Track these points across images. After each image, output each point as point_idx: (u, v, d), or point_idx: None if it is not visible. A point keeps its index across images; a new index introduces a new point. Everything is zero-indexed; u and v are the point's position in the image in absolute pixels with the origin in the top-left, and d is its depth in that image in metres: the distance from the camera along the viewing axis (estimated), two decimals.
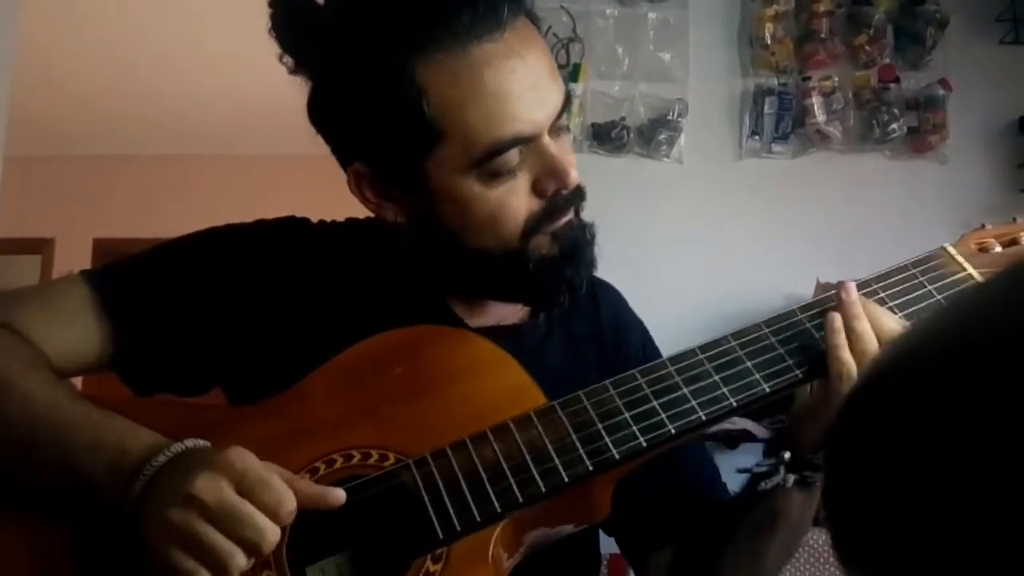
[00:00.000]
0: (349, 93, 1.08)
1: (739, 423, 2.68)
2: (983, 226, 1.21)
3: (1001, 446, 0.36)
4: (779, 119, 3.20)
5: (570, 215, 1.13)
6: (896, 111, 3.17)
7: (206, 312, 1.15)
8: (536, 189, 1.09)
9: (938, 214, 3.16)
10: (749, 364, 1.05)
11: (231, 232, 1.21)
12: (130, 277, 1.17)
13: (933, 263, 1.14)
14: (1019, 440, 0.35)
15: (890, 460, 0.41)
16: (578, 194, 1.13)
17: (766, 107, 3.21)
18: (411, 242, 1.17)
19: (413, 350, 1.09)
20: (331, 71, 1.09)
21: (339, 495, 0.94)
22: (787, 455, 1.09)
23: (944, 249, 1.16)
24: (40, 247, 7.03)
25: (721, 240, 3.17)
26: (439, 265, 1.17)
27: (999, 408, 0.36)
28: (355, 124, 1.11)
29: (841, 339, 1.04)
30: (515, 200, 1.08)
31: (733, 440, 2.72)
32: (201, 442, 0.96)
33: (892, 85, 3.18)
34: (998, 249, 1.16)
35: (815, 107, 3.16)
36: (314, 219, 1.26)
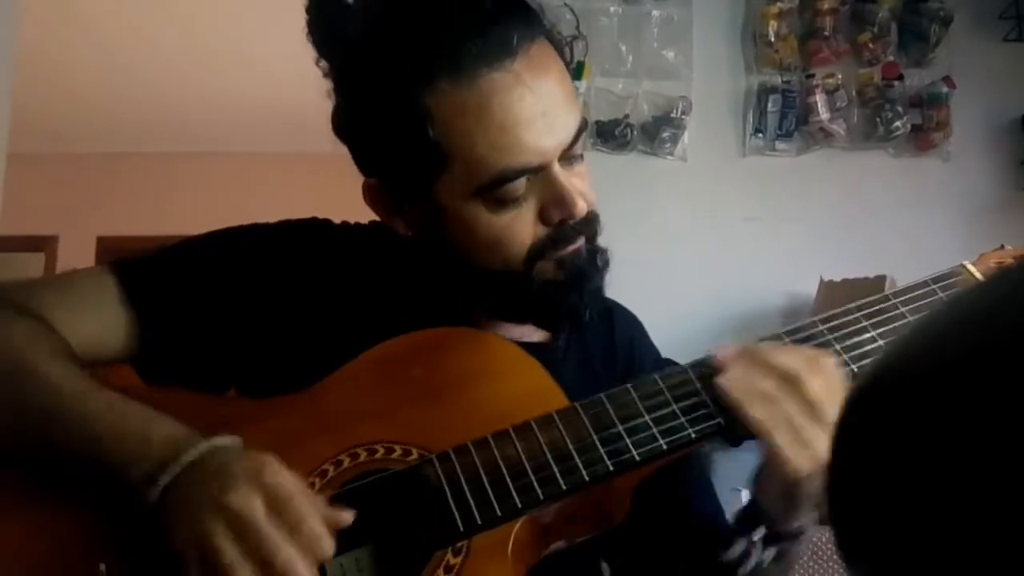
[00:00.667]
0: (364, 110, 1.09)
1: None
2: (1002, 246, 1.21)
3: (1004, 446, 0.36)
4: (783, 117, 3.20)
5: (579, 243, 1.11)
6: (900, 108, 3.17)
7: (228, 309, 1.15)
8: (543, 217, 1.08)
9: (942, 211, 3.17)
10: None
11: (255, 231, 1.22)
12: (155, 270, 1.17)
13: (953, 280, 1.15)
14: (1012, 446, 0.35)
15: (895, 459, 0.41)
16: (590, 222, 1.11)
17: (770, 105, 3.20)
18: (419, 257, 1.18)
19: (436, 350, 1.10)
20: (350, 86, 1.10)
21: (346, 518, 0.94)
22: (757, 535, 1.07)
23: (964, 266, 1.16)
24: (43, 244, 7.04)
25: (725, 238, 3.17)
26: (446, 281, 1.17)
27: (1004, 409, 0.36)
28: (369, 141, 1.11)
29: (739, 398, 1.01)
30: (520, 227, 1.08)
31: (736, 438, 2.71)
32: (231, 439, 0.96)
33: (896, 82, 3.18)
34: None
35: (819, 104, 3.16)
36: (328, 218, 1.26)
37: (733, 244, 3.17)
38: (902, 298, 1.12)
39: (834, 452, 0.46)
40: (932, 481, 0.39)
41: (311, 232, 1.23)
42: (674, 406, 1.03)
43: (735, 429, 1.02)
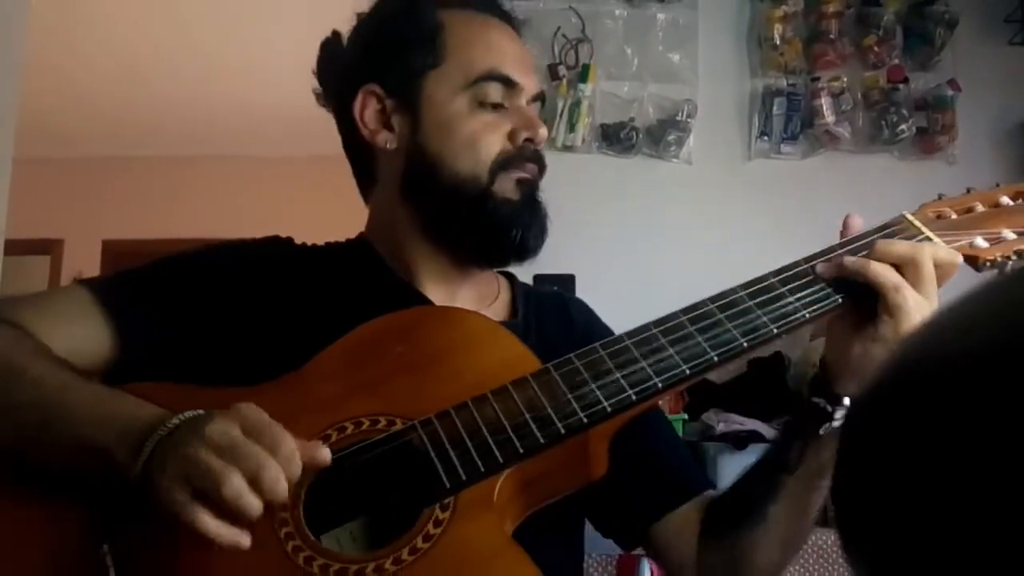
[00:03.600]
0: (381, 24, 1.35)
1: (747, 423, 2.67)
2: (939, 197, 1.28)
3: (1007, 451, 0.36)
4: (788, 120, 3.20)
5: (533, 172, 1.31)
6: (905, 112, 3.16)
7: (202, 314, 1.23)
8: (511, 137, 1.29)
9: None
10: (726, 321, 1.14)
11: (222, 248, 1.33)
12: (130, 283, 1.26)
13: (895, 228, 1.20)
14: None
15: (903, 460, 0.40)
16: (540, 158, 1.33)
17: (775, 108, 3.20)
18: (398, 177, 1.32)
19: (412, 329, 1.17)
20: (382, 6, 1.37)
21: (325, 454, 0.99)
22: (847, 400, 1.14)
23: (904, 216, 1.22)
24: (49, 248, 7.06)
25: (730, 240, 3.16)
26: (417, 201, 1.31)
27: (1010, 413, 0.36)
28: (382, 45, 1.34)
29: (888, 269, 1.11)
30: (492, 134, 1.28)
31: (741, 440, 2.71)
32: (214, 412, 1.00)
33: (901, 86, 3.18)
34: (954, 217, 1.23)
35: (824, 108, 3.15)
36: (311, 225, 1.40)
37: (738, 247, 3.16)
38: (848, 248, 1.18)
39: (840, 452, 0.46)
40: (941, 486, 0.38)
41: (274, 248, 1.36)
42: (642, 362, 1.10)
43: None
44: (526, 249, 1.30)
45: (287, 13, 5.00)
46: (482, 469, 1.03)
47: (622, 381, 1.08)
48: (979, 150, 3.21)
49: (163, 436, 0.97)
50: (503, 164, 1.28)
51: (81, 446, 1.00)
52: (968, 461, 0.37)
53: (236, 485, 0.91)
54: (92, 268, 6.60)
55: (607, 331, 1.38)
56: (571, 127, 3.12)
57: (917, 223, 1.20)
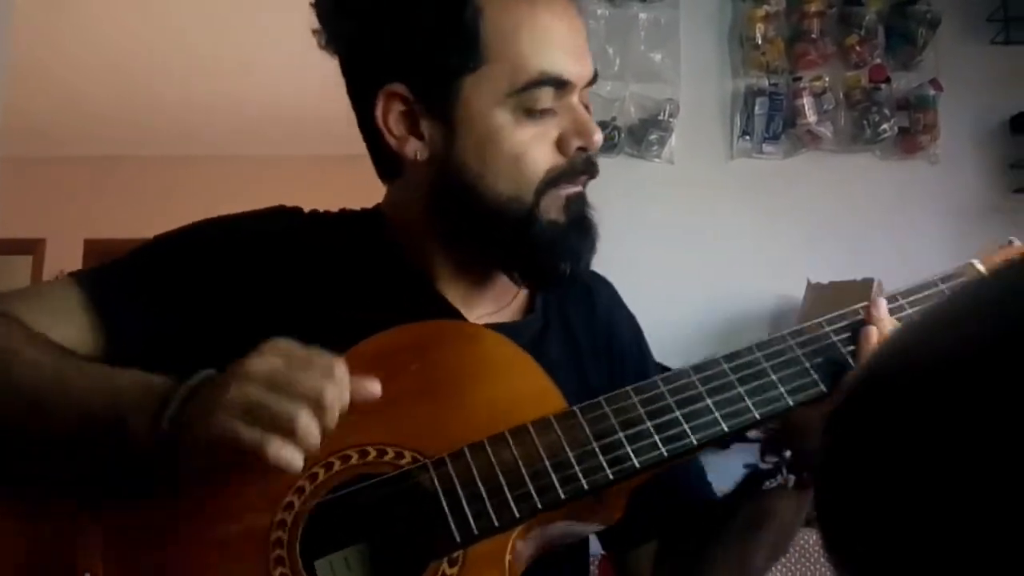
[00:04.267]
0: (406, 10, 1.10)
1: None
2: (1010, 242, 1.20)
3: (995, 449, 0.36)
4: (770, 119, 3.20)
5: (583, 186, 1.14)
6: (887, 111, 3.17)
7: (197, 307, 1.13)
8: (560, 145, 1.11)
9: (929, 214, 3.17)
10: (774, 377, 1.05)
11: (222, 225, 1.20)
12: (120, 276, 1.15)
13: (960, 279, 1.14)
14: (1014, 444, 0.35)
15: (884, 461, 0.40)
16: (594, 164, 1.15)
17: (757, 107, 3.21)
18: (428, 187, 1.15)
19: (430, 346, 1.07)
20: None
21: (376, 387, 0.94)
22: (788, 455, 1.10)
23: (971, 264, 1.16)
24: (31, 248, 7.04)
25: (712, 240, 3.17)
26: (448, 218, 1.15)
27: (997, 411, 0.36)
28: (405, 36, 1.11)
29: None
30: (541, 146, 1.10)
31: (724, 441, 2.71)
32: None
33: (883, 85, 3.19)
34: None
35: (806, 107, 3.16)
36: (297, 206, 1.25)
37: (720, 247, 3.17)
38: (910, 298, 1.12)
39: (824, 454, 0.46)
40: (923, 486, 0.38)
41: (277, 221, 1.22)
42: (676, 412, 1.01)
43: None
44: (574, 279, 1.16)
45: (279, 12, 4.98)
46: (496, 524, 0.95)
47: (655, 436, 1.00)
48: (961, 150, 3.22)
49: (193, 388, 0.92)
50: (552, 182, 1.11)
51: (87, 420, 0.95)
52: (954, 457, 0.37)
53: (305, 422, 0.86)
54: (74, 268, 6.55)
55: (628, 319, 1.32)
56: None
57: (983, 271, 1.15)
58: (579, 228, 1.13)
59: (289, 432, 0.86)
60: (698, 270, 3.14)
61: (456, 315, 1.16)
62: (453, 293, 1.18)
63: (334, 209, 1.28)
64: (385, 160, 1.18)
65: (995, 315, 0.40)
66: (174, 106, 6.40)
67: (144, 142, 6.95)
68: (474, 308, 1.19)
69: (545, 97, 1.09)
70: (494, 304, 1.21)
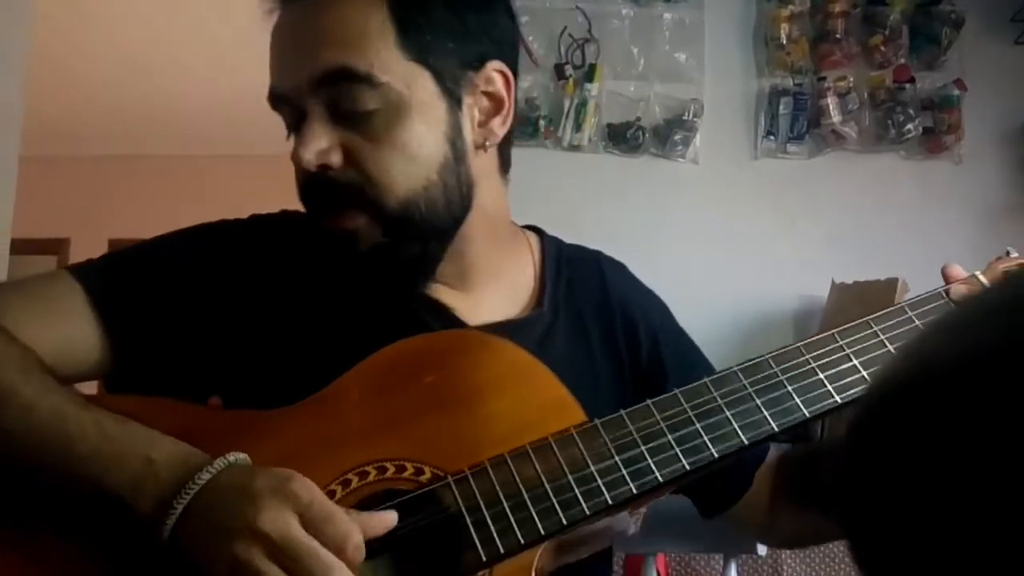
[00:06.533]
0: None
1: None
2: (1008, 253, 1.21)
3: (1016, 456, 0.36)
4: (794, 119, 3.20)
5: (347, 214, 1.11)
6: (911, 111, 3.16)
7: (203, 311, 1.12)
8: None
9: (953, 214, 3.16)
10: (789, 388, 1.05)
11: (224, 229, 1.21)
12: (124, 275, 1.13)
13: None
14: None
15: (907, 465, 0.40)
16: (326, 184, 1.11)
17: (781, 107, 3.20)
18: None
19: (446, 357, 1.06)
20: None
21: (393, 517, 0.93)
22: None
23: (975, 276, 1.16)
24: (56, 247, 7.05)
25: (736, 240, 3.17)
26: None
27: (1016, 418, 0.36)
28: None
29: None
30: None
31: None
32: (242, 456, 0.93)
33: (907, 85, 3.18)
34: None
35: (830, 107, 3.15)
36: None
37: (745, 247, 3.16)
38: (917, 311, 1.11)
39: (847, 456, 0.46)
40: (945, 489, 0.38)
41: (283, 226, 1.21)
42: (696, 424, 1.01)
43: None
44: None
45: None
46: (522, 542, 0.94)
47: (676, 449, 1.00)
48: (985, 150, 3.20)
49: (196, 492, 0.88)
50: (306, 202, 1.15)
51: (82, 487, 0.91)
52: (972, 462, 0.37)
53: None
54: None
55: (646, 299, 1.31)
56: (577, 127, 3.12)
57: (987, 285, 1.15)
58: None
59: None
60: (722, 270, 3.14)
61: (452, 318, 1.15)
62: (443, 289, 1.17)
63: None
64: None
65: (1008, 321, 0.40)
66: (198, 104, 6.41)
67: (168, 140, 6.97)
68: (470, 307, 1.17)
69: (284, 113, 1.09)
70: (485, 299, 1.19)
